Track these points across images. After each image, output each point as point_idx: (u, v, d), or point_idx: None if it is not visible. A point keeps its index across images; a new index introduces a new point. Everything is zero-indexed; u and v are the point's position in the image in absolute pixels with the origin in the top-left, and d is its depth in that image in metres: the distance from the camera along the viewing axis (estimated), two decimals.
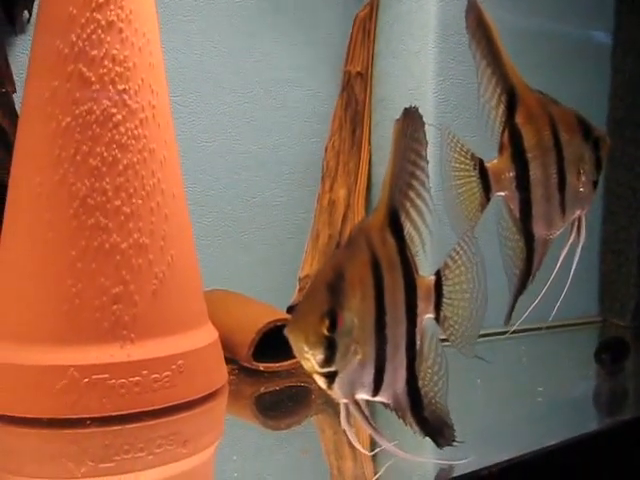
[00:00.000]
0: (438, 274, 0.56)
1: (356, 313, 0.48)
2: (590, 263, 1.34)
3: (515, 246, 0.64)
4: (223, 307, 0.92)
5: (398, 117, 0.52)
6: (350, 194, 1.12)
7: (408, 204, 0.53)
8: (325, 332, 0.46)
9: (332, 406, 0.81)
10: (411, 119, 0.52)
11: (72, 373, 0.66)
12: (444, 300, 0.55)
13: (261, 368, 0.86)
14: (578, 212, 0.67)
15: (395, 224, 0.53)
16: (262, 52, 1.13)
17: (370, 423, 0.52)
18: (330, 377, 0.48)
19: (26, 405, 0.66)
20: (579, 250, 0.67)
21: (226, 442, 0.69)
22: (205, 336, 0.77)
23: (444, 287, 0.55)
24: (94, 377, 0.66)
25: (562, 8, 1.25)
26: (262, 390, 0.82)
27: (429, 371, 0.55)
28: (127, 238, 0.70)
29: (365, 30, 1.17)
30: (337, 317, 0.46)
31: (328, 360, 0.47)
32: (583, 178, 0.65)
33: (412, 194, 0.54)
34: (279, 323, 0.87)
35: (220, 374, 0.80)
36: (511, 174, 0.63)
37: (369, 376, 0.50)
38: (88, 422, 0.66)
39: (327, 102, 1.18)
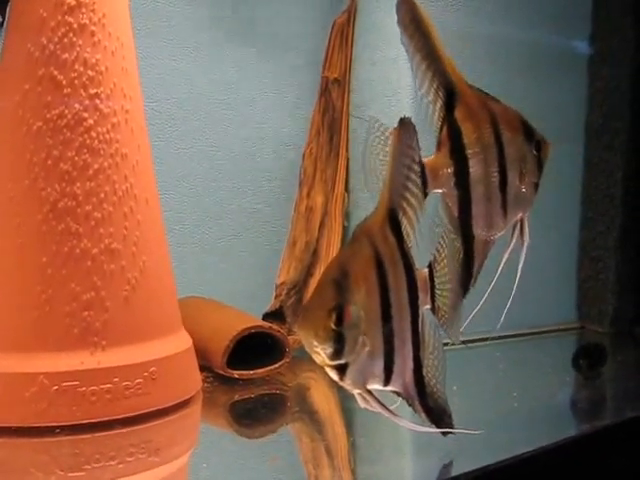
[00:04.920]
0: (430, 267, 0.59)
1: (362, 307, 0.51)
2: (568, 269, 1.34)
3: (452, 246, 0.62)
4: (197, 314, 0.91)
5: (395, 127, 0.55)
6: (327, 201, 1.12)
7: (404, 203, 0.56)
8: (333, 326, 0.49)
9: (308, 414, 0.80)
10: (406, 128, 0.55)
11: (42, 380, 0.65)
12: (436, 291, 0.59)
13: (235, 375, 0.85)
14: (520, 214, 0.65)
15: (394, 222, 0.56)
16: (239, 58, 1.12)
17: (386, 407, 0.56)
18: (341, 369, 0.52)
19: None
20: (524, 254, 0.66)
21: (200, 450, 0.69)
22: (179, 343, 0.76)
23: (435, 279, 0.59)
24: (64, 384, 0.65)
25: (539, 16, 1.25)
26: (236, 398, 0.82)
27: (430, 357, 0.58)
28: (98, 244, 0.69)
29: (343, 36, 1.16)
30: (344, 312, 0.50)
31: (338, 353, 0.50)
32: (525, 178, 0.64)
33: (407, 194, 0.56)
34: (254, 330, 0.86)
35: (194, 381, 0.79)
36: (449, 170, 0.61)
37: (379, 366, 0.54)
38: (58, 430, 0.65)
39: (305, 109, 1.17)
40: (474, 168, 0.61)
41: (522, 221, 0.66)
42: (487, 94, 0.64)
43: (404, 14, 0.60)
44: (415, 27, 0.60)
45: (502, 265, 0.65)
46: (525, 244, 0.66)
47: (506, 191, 0.63)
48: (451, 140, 0.61)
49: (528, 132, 0.65)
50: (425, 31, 0.60)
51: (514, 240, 0.66)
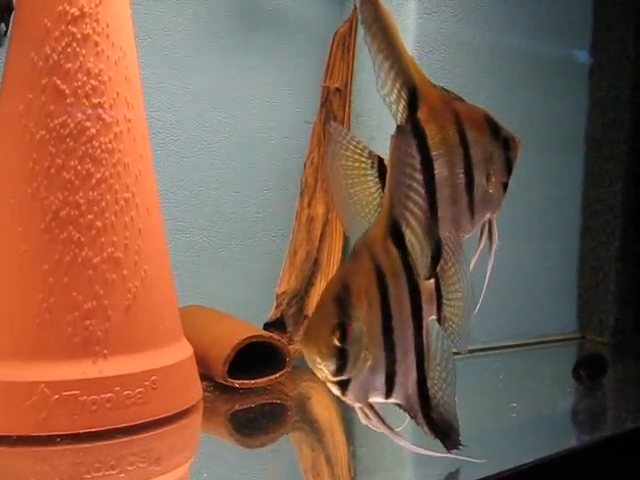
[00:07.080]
0: (436, 277, 0.58)
1: (364, 322, 0.51)
2: (568, 280, 1.34)
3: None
4: (198, 323, 0.91)
5: (392, 134, 0.54)
6: (329, 211, 1.12)
7: (407, 214, 0.55)
8: (336, 343, 0.49)
9: (308, 423, 0.80)
10: (403, 135, 0.55)
11: (42, 389, 0.65)
12: (443, 301, 0.58)
13: (236, 385, 0.85)
14: (488, 215, 0.64)
15: (397, 234, 0.55)
16: (241, 67, 1.12)
17: (385, 423, 0.55)
18: (343, 385, 0.51)
19: None
20: (492, 257, 0.65)
21: (200, 460, 0.69)
22: (179, 352, 0.76)
23: (442, 288, 0.58)
24: (65, 393, 0.65)
25: (540, 26, 1.26)
26: (237, 407, 0.82)
27: (437, 369, 0.57)
28: (100, 252, 0.69)
29: (345, 46, 1.17)
30: (347, 328, 0.49)
31: (340, 369, 0.50)
32: (492, 179, 0.63)
33: (410, 204, 0.55)
34: (255, 339, 0.86)
35: (195, 391, 0.79)
36: None
37: (381, 380, 0.53)
38: (58, 439, 0.65)
39: (306, 118, 1.17)
40: (440, 170, 0.59)
41: (490, 222, 0.65)
42: (451, 93, 0.62)
43: (366, 13, 0.58)
44: (378, 27, 0.58)
45: (471, 267, 0.64)
46: (494, 245, 0.65)
47: (473, 192, 0.62)
48: (415, 142, 0.59)
49: (494, 131, 0.63)
50: (387, 30, 0.58)
51: (483, 242, 0.65)
